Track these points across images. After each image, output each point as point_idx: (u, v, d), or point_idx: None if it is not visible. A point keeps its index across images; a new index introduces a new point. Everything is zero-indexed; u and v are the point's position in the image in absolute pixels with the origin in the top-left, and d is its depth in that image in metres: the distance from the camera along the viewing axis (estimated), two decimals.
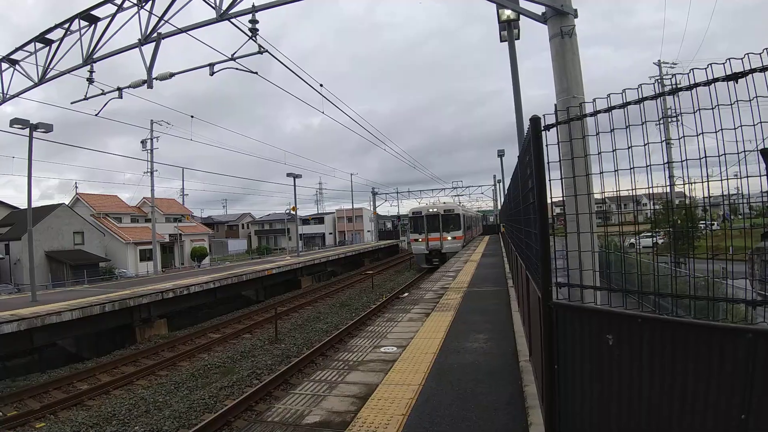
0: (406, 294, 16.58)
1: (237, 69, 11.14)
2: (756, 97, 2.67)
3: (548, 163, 3.50)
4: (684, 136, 3.02)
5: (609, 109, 2.99)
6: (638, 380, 2.97)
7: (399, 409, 5.15)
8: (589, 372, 3.36)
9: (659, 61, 32.60)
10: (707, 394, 2.54)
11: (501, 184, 42.21)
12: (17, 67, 14.28)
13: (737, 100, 2.71)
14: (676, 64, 31.02)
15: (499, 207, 47.72)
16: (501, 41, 10.90)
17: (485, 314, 10.16)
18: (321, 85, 12.85)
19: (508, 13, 10.58)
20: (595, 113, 3.08)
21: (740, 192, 3.40)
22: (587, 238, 5.04)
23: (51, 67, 13.46)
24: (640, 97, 2.87)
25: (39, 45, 13.63)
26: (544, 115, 3.47)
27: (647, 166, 2.93)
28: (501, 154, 37.30)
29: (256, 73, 10.74)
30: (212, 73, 11.40)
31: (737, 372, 2.39)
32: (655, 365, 2.86)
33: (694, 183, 3.27)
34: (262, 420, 5.11)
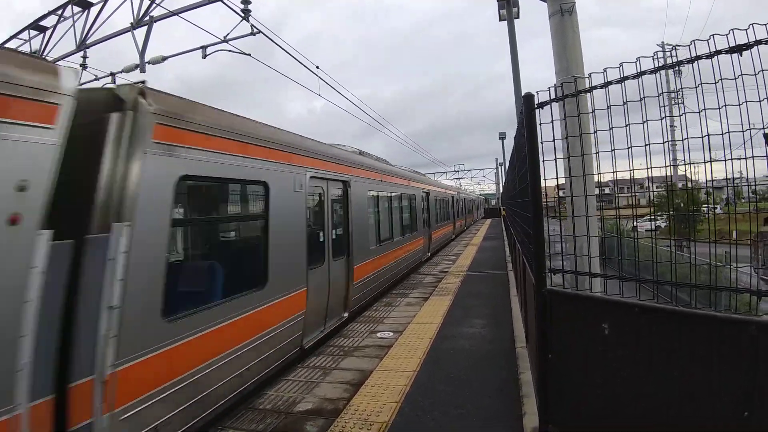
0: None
1: (230, 51, 10.91)
2: (762, 70, 2.50)
3: (542, 142, 3.34)
4: (685, 113, 2.85)
5: (606, 85, 2.82)
6: (635, 371, 2.86)
7: (392, 396, 5.07)
8: (584, 361, 3.25)
9: (662, 43, 32.10)
10: (708, 387, 2.42)
11: (502, 167, 41.57)
12: None
13: (741, 74, 2.53)
14: (679, 46, 30.49)
15: (501, 190, 47.03)
16: (500, 20, 10.63)
17: (484, 299, 10.05)
18: (317, 67, 12.57)
19: None
20: (590, 89, 2.92)
21: (744, 176, 3.24)
22: (589, 221, 4.90)
23: (45, 54, 13.26)
24: (639, 71, 2.70)
25: (33, 32, 13.43)
26: (537, 92, 3.30)
27: (646, 145, 2.76)
28: (503, 136, 36.90)
29: (249, 54, 10.50)
30: (205, 56, 11.20)
31: (739, 365, 2.27)
32: (653, 356, 2.74)
33: (697, 164, 3.09)
34: (253, 407, 5.02)
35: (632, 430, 2.89)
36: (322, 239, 8.03)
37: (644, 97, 2.79)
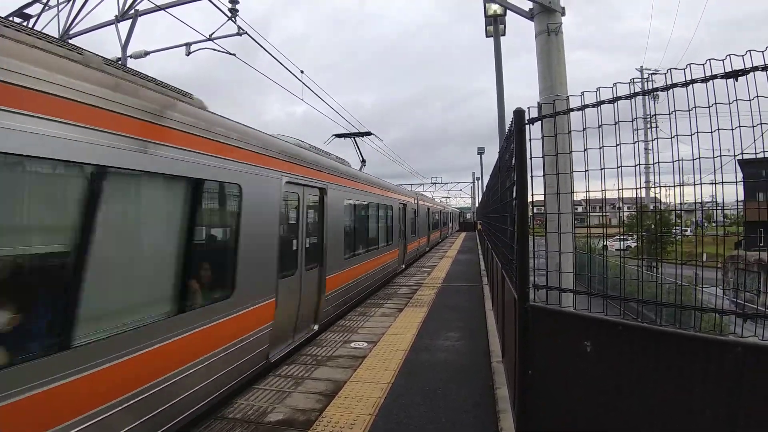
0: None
1: (215, 50, 10.76)
2: (736, 99, 2.58)
3: (531, 158, 3.34)
4: (657, 138, 2.96)
5: (582, 107, 2.87)
6: (617, 390, 2.85)
7: (366, 408, 4.97)
8: (564, 378, 3.23)
9: (641, 67, 33.09)
10: (690, 407, 2.42)
11: (479, 181, 42.01)
12: None
13: (716, 102, 2.61)
14: (657, 71, 31.46)
15: (477, 204, 47.44)
16: (486, 36, 10.76)
17: (459, 312, 10.04)
18: (302, 72, 12.49)
19: (495, 7, 10.46)
20: (583, 107, 2.93)
21: (714, 199, 3.34)
22: (566, 238, 4.93)
23: None
24: (614, 96, 2.75)
25: (18, 20, 13.01)
26: (528, 108, 3.31)
27: (618, 168, 2.82)
28: (481, 151, 37.41)
29: (234, 54, 10.37)
30: (188, 53, 11.02)
31: (723, 385, 2.27)
32: (636, 374, 2.73)
33: (668, 187, 3.20)
34: (222, 417, 4.86)
35: None
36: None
37: (618, 122, 2.87)
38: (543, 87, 6.79)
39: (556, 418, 3.31)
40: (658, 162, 2.95)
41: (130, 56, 11.86)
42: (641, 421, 2.69)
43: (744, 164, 3.25)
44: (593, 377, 3.01)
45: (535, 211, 5.72)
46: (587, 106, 2.93)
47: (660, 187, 3.15)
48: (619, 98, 2.88)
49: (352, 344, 7.50)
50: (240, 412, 4.95)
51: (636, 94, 2.96)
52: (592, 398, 3.01)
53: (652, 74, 31.93)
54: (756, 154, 2.54)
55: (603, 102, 2.89)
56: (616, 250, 17.89)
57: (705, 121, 2.63)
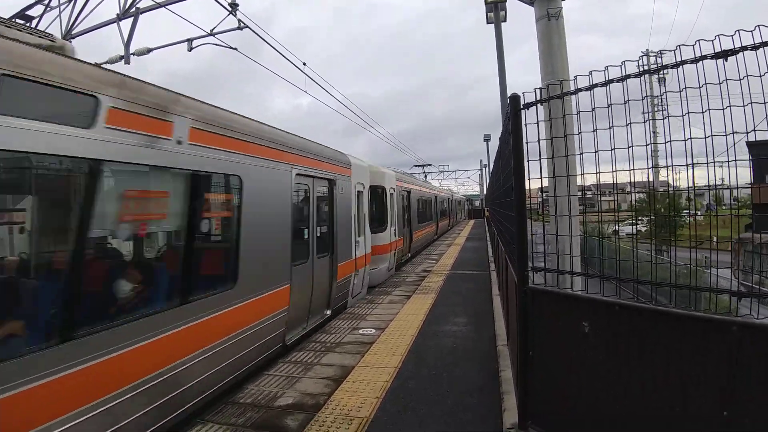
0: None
1: (216, 45, 10.81)
2: (747, 76, 2.52)
3: (527, 143, 3.38)
4: (669, 116, 2.89)
5: (591, 87, 2.87)
6: (614, 370, 2.90)
7: (374, 392, 5.09)
8: (563, 359, 3.30)
9: (647, 50, 32.61)
10: (686, 387, 2.46)
11: (487, 168, 41.80)
12: None
13: (726, 79, 2.55)
14: (664, 53, 30.97)
15: (485, 191, 47.21)
16: (487, 23, 10.71)
17: (466, 298, 10.13)
18: (304, 64, 12.51)
19: None
20: (576, 91, 2.96)
21: (725, 182, 3.25)
22: (569, 222, 4.98)
23: None
24: (624, 74, 2.75)
25: (20, 21, 13.13)
26: (524, 93, 3.35)
27: (629, 147, 2.81)
28: (487, 138, 37.20)
29: (236, 48, 10.42)
30: (190, 49, 11.08)
31: (719, 364, 2.32)
32: (633, 355, 2.78)
33: (679, 168, 3.11)
34: (234, 402, 5.00)
35: (611, 429, 2.95)
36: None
37: (628, 100, 2.84)
38: (545, 73, 6.80)
39: (556, 397, 3.39)
40: (670, 141, 2.80)
41: (133, 54, 11.93)
42: (639, 400, 2.75)
43: (750, 146, 3.23)
44: (592, 357, 3.06)
45: (544, 196, 5.76)
46: (580, 90, 2.94)
47: (673, 166, 3.01)
48: (612, 81, 2.85)
49: (361, 331, 7.62)
50: (251, 397, 5.08)
51: (646, 72, 2.91)
52: (591, 378, 3.07)
53: (659, 52, 31.44)
54: None
55: (595, 86, 2.89)
56: (627, 234, 17.79)
57: (715, 101, 2.56)
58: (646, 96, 2.86)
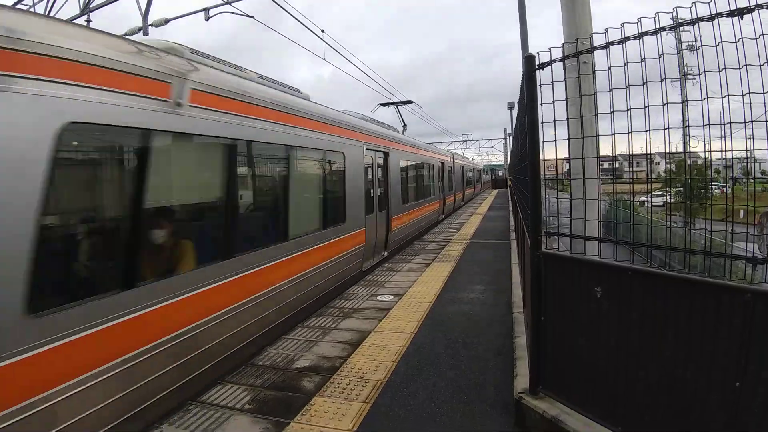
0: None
1: (233, 13, 10.73)
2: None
3: (541, 104, 3.28)
4: (705, 71, 2.59)
5: (623, 41, 2.71)
6: (626, 336, 2.86)
7: (389, 356, 5.18)
8: (575, 325, 3.28)
9: (675, 8, 30.87)
10: (699, 355, 2.42)
11: (511, 137, 40.99)
12: None
13: (762, 34, 2.32)
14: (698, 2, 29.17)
15: (509, 161, 46.52)
16: None
17: (485, 266, 10.12)
18: (323, 31, 12.34)
19: None
20: (591, 50, 2.84)
21: (750, 154, 2.99)
22: (590, 187, 4.85)
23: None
24: (640, 32, 2.62)
25: None
26: (538, 53, 3.24)
27: (645, 107, 2.69)
28: (511, 106, 36.30)
29: (253, 17, 10.32)
30: (207, 18, 11.02)
31: (732, 331, 2.26)
32: (645, 321, 2.73)
33: (715, 125, 2.82)
34: (253, 363, 5.15)
35: (621, 397, 2.93)
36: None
37: (645, 59, 2.69)
38: (567, 34, 6.52)
39: (568, 363, 3.38)
40: (707, 97, 2.50)
41: (151, 25, 11.96)
42: (649, 367, 2.71)
43: None
44: (604, 323, 3.03)
45: (566, 166, 5.63)
46: (611, 43, 2.76)
47: (710, 125, 2.67)
48: (645, 34, 2.63)
49: (379, 297, 7.71)
50: (269, 359, 5.23)
51: (662, 29, 2.71)
52: (602, 344, 3.04)
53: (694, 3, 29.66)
54: None
55: (628, 38, 2.70)
56: (653, 205, 17.43)
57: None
58: (661, 55, 2.61)
